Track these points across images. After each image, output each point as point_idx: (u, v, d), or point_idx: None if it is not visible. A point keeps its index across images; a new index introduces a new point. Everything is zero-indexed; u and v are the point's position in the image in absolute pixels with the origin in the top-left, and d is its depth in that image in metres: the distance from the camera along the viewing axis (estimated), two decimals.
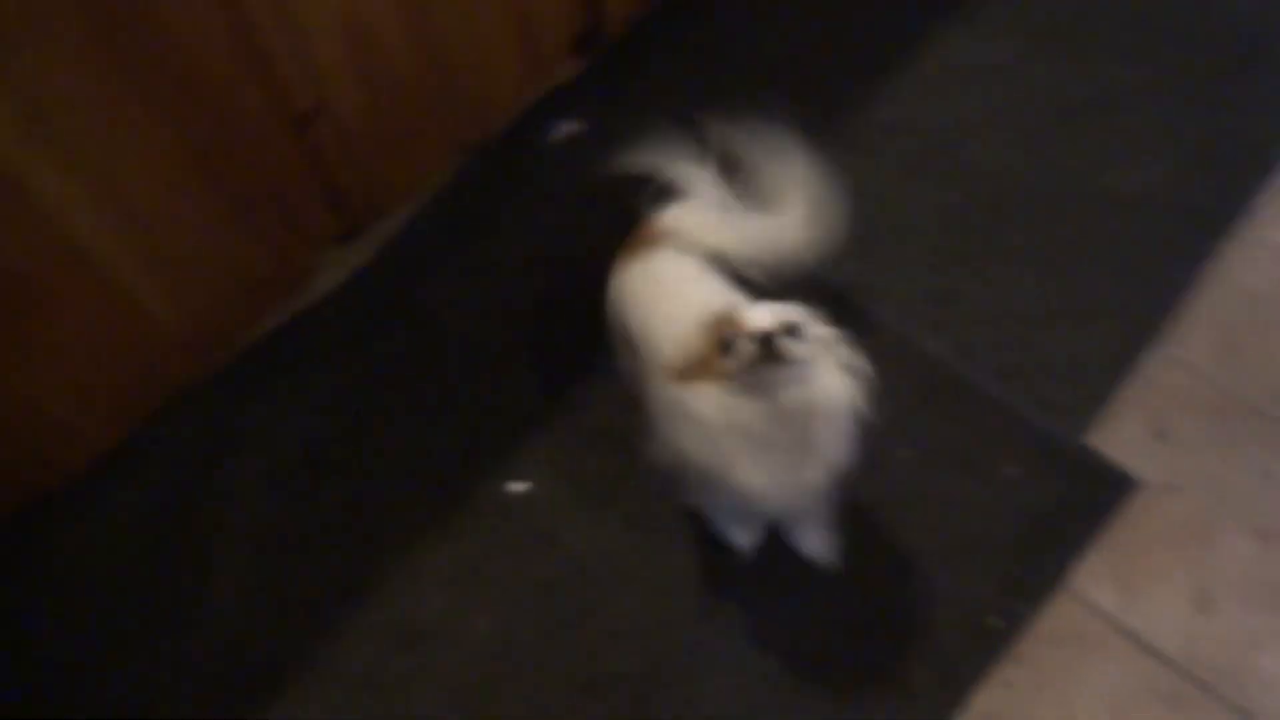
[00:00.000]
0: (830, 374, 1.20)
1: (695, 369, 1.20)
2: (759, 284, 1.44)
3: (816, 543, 1.54)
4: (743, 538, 1.54)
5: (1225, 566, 1.51)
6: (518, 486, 1.65)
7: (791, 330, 1.14)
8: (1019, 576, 1.51)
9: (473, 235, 1.90)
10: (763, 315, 1.15)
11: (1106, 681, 1.45)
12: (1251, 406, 1.63)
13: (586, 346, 1.76)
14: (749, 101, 1.97)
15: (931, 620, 1.49)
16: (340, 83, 1.54)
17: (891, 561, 1.54)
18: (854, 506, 1.57)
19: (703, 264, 1.44)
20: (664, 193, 1.49)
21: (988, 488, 1.58)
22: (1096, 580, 1.51)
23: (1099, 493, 1.57)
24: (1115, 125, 1.92)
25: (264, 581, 1.59)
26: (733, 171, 1.47)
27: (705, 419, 1.20)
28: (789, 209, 1.44)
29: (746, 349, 1.12)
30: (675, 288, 1.41)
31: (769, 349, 1.11)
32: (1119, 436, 1.62)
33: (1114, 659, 1.46)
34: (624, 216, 1.87)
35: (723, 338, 1.15)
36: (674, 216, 1.50)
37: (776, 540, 1.56)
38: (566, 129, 1.98)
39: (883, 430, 1.62)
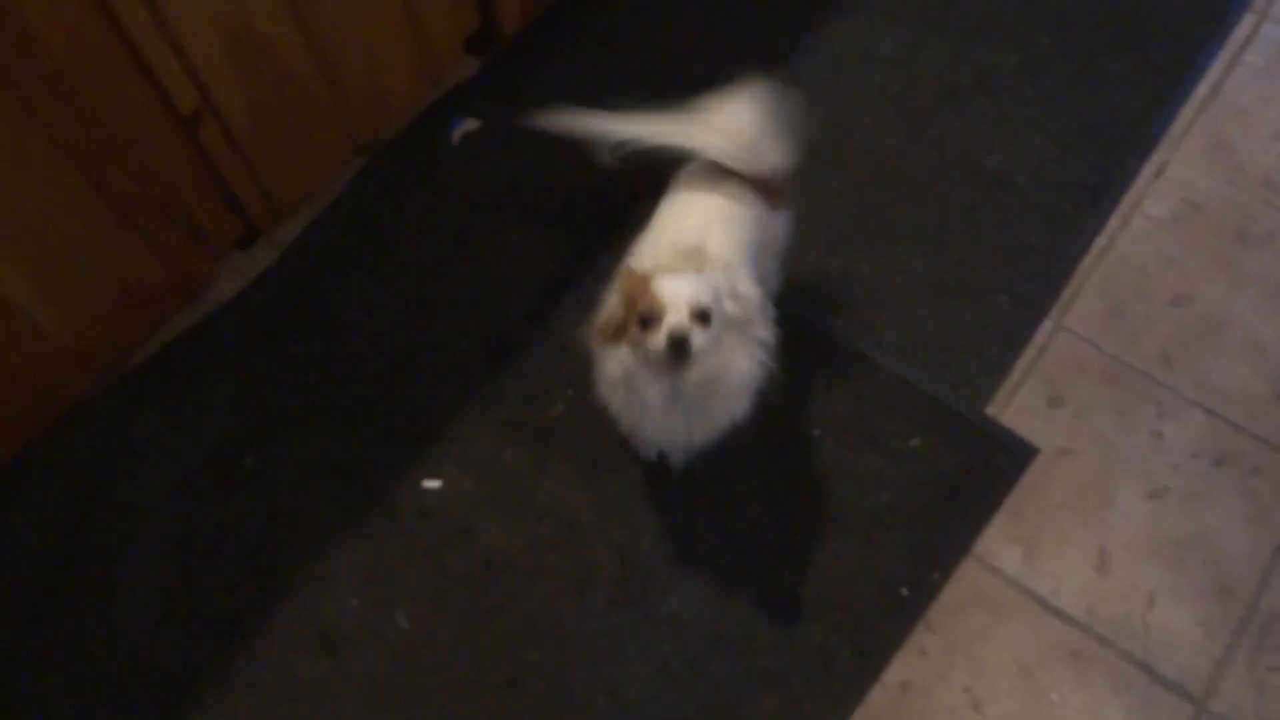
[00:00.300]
0: (737, 348, 1.27)
1: (612, 331, 1.27)
2: None
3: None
4: (650, 453, 1.61)
5: (1121, 526, 1.57)
6: (432, 484, 1.63)
7: (704, 315, 1.19)
8: (928, 546, 1.55)
9: (376, 236, 1.87)
10: (678, 292, 1.19)
11: (1015, 643, 1.49)
12: (1140, 370, 1.70)
13: (494, 341, 1.75)
14: (643, 92, 2.01)
15: (847, 593, 1.52)
16: (224, 83, 1.50)
17: (806, 538, 1.56)
18: (766, 486, 1.60)
19: (727, 206, 1.43)
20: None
21: (895, 462, 1.62)
22: (1001, 546, 1.56)
23: (1000, 461, 1.62)
24: (999, 107, 1.98)
25: (173, 593, 1.54)
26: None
27: (611, 379, 1.31)
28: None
29: (657, 347, 1.18)
30: (674, 213, 1.46)
31: (678, 351, 1.17)
32: (1017, 405, 1.67)
33: (1021, 621, 1.50)
34: (525, 210, 1.88)
35: (640, 313, 1.20)
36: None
37: (691, 519, 1.58)
38: (465, 127, 1.97)
39: (791, 410, 1.67)
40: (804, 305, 1.74)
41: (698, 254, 1.31)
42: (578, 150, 1.95)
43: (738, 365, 1.28)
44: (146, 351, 1.74)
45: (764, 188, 1.46)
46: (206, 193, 1.64)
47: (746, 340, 1.29)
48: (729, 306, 1.24)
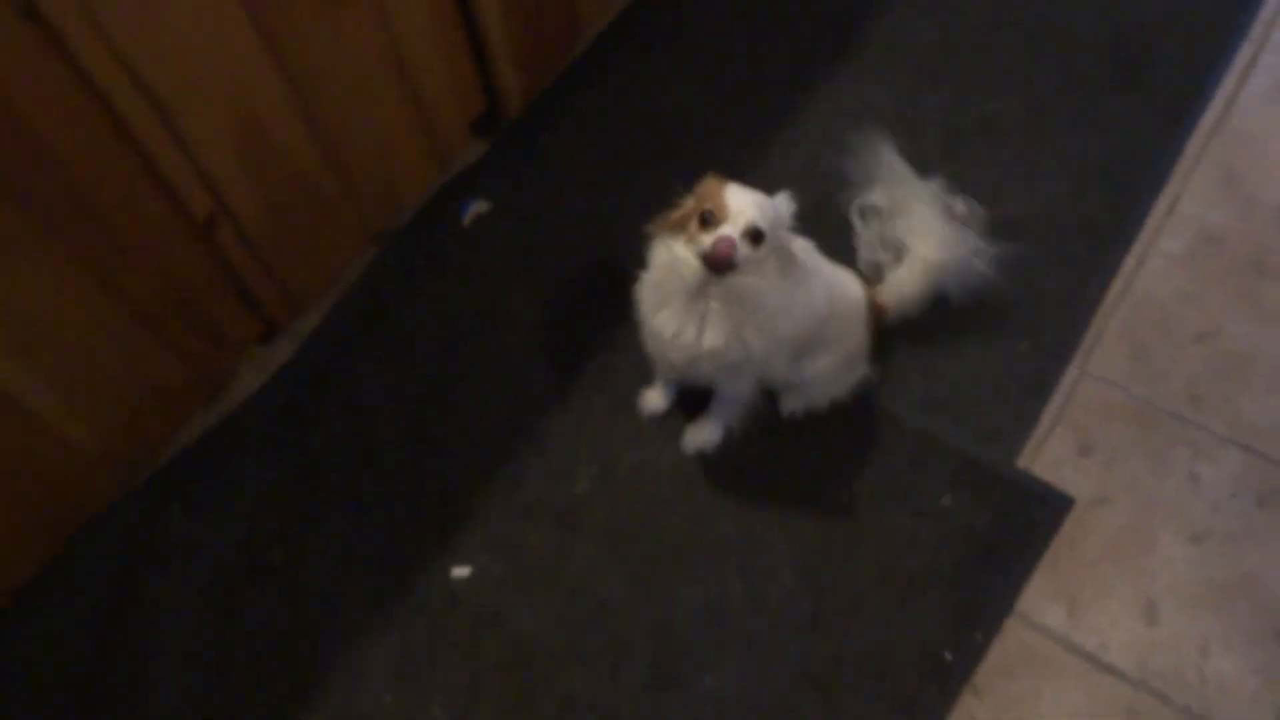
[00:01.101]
0: (779, 284, 1.35)
1: (674, 223, 1.35)
2: None
3: (702, 430, 1.68)
4: (656, 402, 1.72)
5: (1164, 573, 1.53)
6: (461, 571, 1.62)
7: (757, 235, 1.27)
8: (969, 606, 1.52)
9: (393, 321, 1.89)
10: (740, 205, 1.27)
11: (1066, 703, 1.45)
12: (1169, 412, 1.67)
13: (515, 420, 1.75)
14: (651, 162, 2.03)
15: (887, 660, 1.49)
16: (236, 186, 1.53)
17: (842, 605, 1.54)
18: (797, 552, 1.58)
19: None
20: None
21: (928, 520, 1.59)
22: (1044, 602, 1.52)
23: (1035, 514, 1.59)
24: (1004, 152, 1.98)
25: (204, 695, 1.53)
26: None
27: (655, 264, 1.40)
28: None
29: (704, 246, 1.26)
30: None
31: (721, 257, 1.24)
32: (1047, 455, 1.65)
33: (1071, 679, 1.47)
34: (539, 287, 1.89)
35: (703, 211, 1.28)
36: None
37: (723, 590, 1.55)
38: (476, 209, 1.99)
39: (817, 473, 1.65)
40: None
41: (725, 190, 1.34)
42: (588, 225, 1.98)
43: (771, 297, 1.35)
44: (171, 451, 1.75)
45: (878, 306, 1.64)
46: (224, 293, 1.66)
47: (788, 283, 1.36)
48: (782, 240, 1.33)
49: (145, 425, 1.66)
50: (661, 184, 1.99)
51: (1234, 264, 1.82)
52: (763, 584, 1.57)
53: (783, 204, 1.34)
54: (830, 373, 1.62)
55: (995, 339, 1.76)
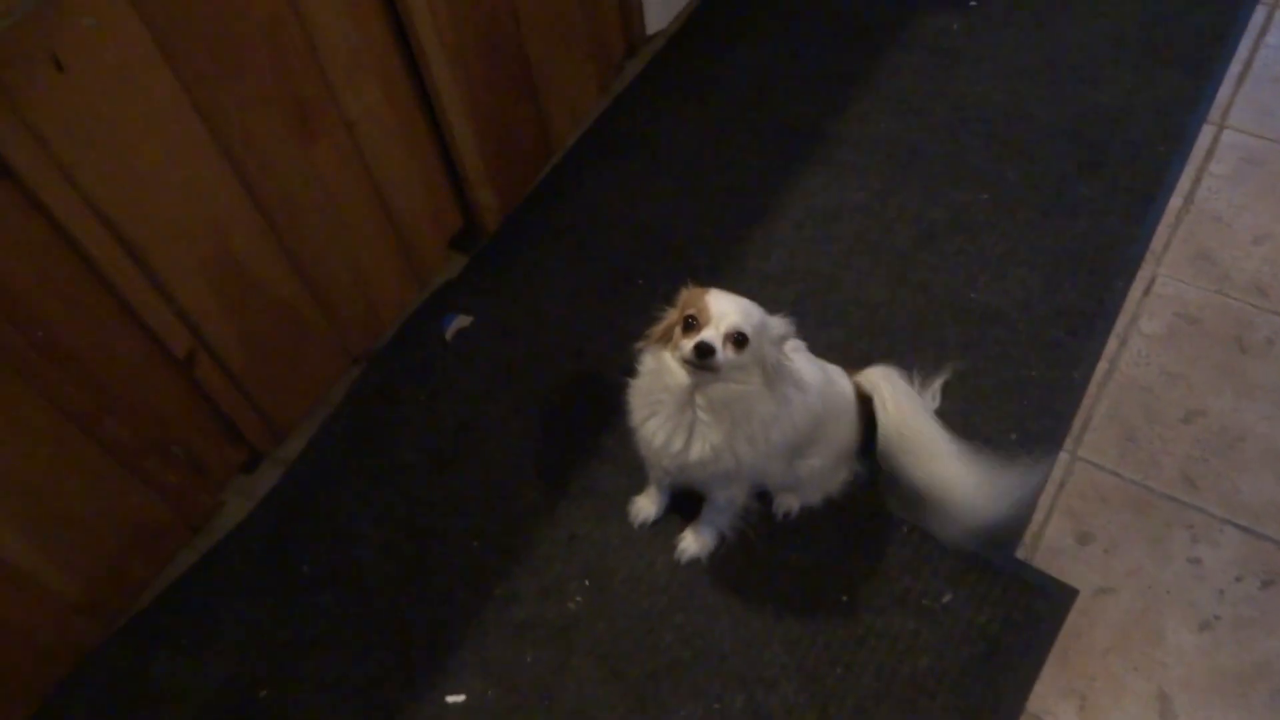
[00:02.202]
0: (766, 393, 1.36)
1: (660, 334, 1.38)
2: None
3: (695, 538, 1.66)
4: (647, 510, 1.70)
5: (1175, 664, 1.49)
6: (455, 699, 1.57)
7: (740, 339, 1.29)
8: (979, 710, 1.47)
9: (378, 442, 1.87)
10: (723, 309, 1.29)
11: None
12: (1164, 495, 1.65)
13: (505, 537, 1.72)
14: (628, 270, 2.05)
15: None
16: (214, 321, 1.53)
17: (849, 715, 1.49)
18: (798, 661, 1.54)
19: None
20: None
21: (930, 621, 1.56)
22: (1055, 700, 1.48)
23: (1039, 608, 1.56)
24: (977, 244, 2.01)
25: None
26: None
27: (643, 371, 1.42)
28: None
29: (686, 351, 1.28)
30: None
31: (703, 358, 1.27)
32: (1046, 546, 1.62)
33: None
34: (524, 400, 1.89)
35: (686, 317, 1.31)
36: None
37: (725, 705, 1.50)
38: (457, 324, 1.99)
39: (814, 576, 1.62)
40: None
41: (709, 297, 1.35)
42: (569, 335, 1.99)
43: (761, 407, 1.36)
44: (154, 590, 1.71)
45: None
46: (205, 426, 1.65)
47: (778, 393, 1.37)
48: (768, 351, 1.33)
49: (128, 566, 1.63)
50: (640, 292, 2.02)
51: (1215, 342, 1.82)
52: (765, 697, 1.52)
53: (777, 323, 1.35)
54: (825, 469, 1.62)
55: (981, 431, 1.75)
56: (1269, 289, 1.87)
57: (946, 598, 1.58)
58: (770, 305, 1.98)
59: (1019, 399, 1.78)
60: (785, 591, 1.62)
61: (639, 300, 2.02)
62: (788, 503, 1.68)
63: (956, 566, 1.61)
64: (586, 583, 1.66)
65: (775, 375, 1.35)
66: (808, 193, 2.14)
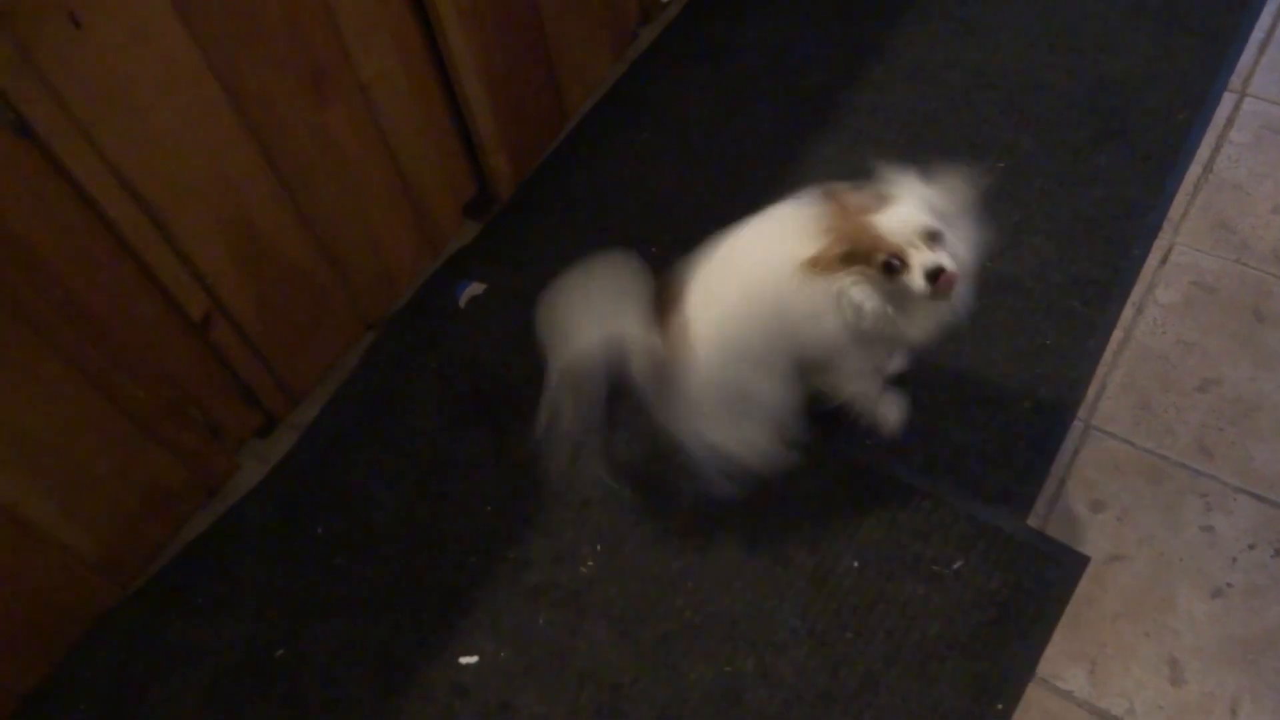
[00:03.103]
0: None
1: (826, 265, 1.29)
2: None
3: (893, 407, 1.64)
4: (895, 414, 1.66)
5: (1187, 631, 1.50)
6: (469, 659, 1.59)
7: (937, 236, 1.25)
8: (989, 675, 1.48)
9: (392, 407, 1.88)
10: (906, 224, 1.24)
11: None
12: (1178, 463, 1.65)
13: (518, 503, 1.73)
14: (642, 238, 2.05)
15: None
16: (230, 283, 1.54)
17: (858, 679, 1.50)
18: (809, 626, 1.55)
19: None
20: None
21: (940, 587, 1.56)
22: (1065, 665, 1.48)
23: (1050, 574, 1.56)
24: (993, 213, 1.98)
25: None
26: None
27: (859, 309, 1.33)
28: None
29: (921, 288, 1.24)
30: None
31: (943, 285, 1.23)
32: (1058, 514, 1.62)
33: None
34: (536, 367, 1.89)
35: (880, 260, 1.25)
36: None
37: (735, 668, 1.52)
38: (471, 291, 2.00)
39: (825, 543, 1.63)
40: (824, 432, 1.72)
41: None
42: None
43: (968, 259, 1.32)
44: (170, 552, 1.73)
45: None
46: (222, 389, 1.67)
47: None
48: (945, 210, 1.28)
49: (144, 527, 1.65)
50: (653, 259, 2.01)
51: (1232, 311, 1.81)
52: (775, 661, 1.53)
53: (918, 187, 1.31)
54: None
55: (997, 399, 1.75)
56: None
57: (958, 564, 1.58)
58: None
59: (1034, 367, 1.77)
60: (796, 557, 1.63)
61: (651, 268, 2.02)
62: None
63: (968, 533, 1.61)
64: (599, 548, 1.67)
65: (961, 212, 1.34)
66: (821, 161, 2.13)
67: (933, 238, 1.26)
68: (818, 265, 1.31)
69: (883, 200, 1.29)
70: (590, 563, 1.66)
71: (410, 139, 1.78)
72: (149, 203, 1.36)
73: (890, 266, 1.26)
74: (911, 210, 1.27)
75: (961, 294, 1.34)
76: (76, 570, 1.55)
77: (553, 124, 2.19)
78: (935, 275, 1.23)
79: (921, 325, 1.38)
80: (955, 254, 1.28)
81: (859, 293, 1.33)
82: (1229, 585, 1.53)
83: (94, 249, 1.34)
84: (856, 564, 1.60)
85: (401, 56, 1.68)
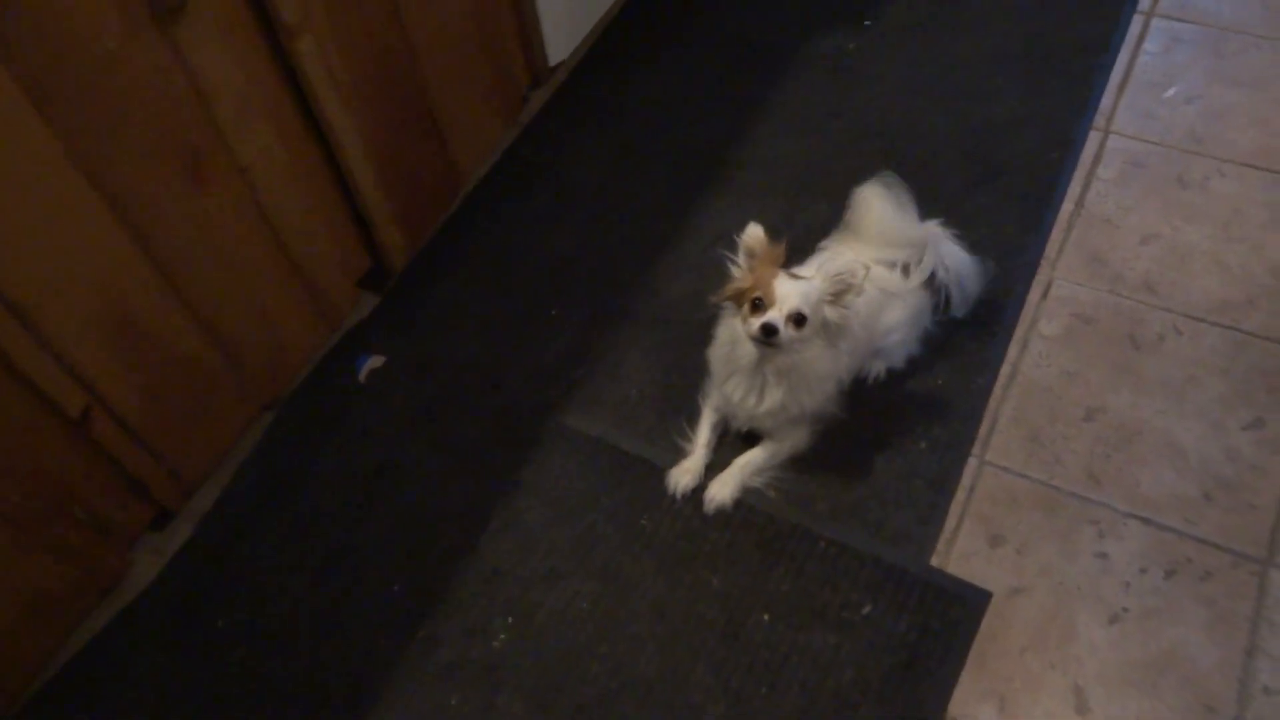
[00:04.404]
0: (825, 352, 1.59)
1: (730, 293, 1.58)
2: None
3: (719, 489, 1.74)
4: (688, 481, 1.77)
5: (1089, 659, 1.53)
6: None
7: (800, 319, 1.50)
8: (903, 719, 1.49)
9: (293, 490, 1.84)
10: (788, 295, 1.49)
11: None
12: (1070, 493, 1.70)
13: (425, 579, 1.70)
14: (541, 301, 2.05)
15: None
16: (110, 376, 1.49)
17: None
18: (723, 684, 1.54)
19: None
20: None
21: (850, 634, 1.58)
22: (975, 704, 1.50)
23: (955, 613, 1.58)
24: None
25: None
26: None
27: (721, 339, 1.67)
28: None
29: (753, 330, 1.50)
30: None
31: (767, 338, 1.50)
32: (959, 551, 1.65)
33: None
34: (441, 439, 1.87)
35: (754, 299, 1.51)
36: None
37: None
38: (371, 364, 1.97)
39: (735, 598, 1.63)
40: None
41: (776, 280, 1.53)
42: (485, 370, 1.98)
43: (819, 365, 1.60)
44: (61, 660, 1.65)
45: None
46: (108, 485, 1.61)
47: (836, 350, 1.60)
48: (828, 314, 1.53)
49: (28, 638, 1.57)
50: (554, 321, 2.02)
51: (1110, 340, 1.88)
52: None
53: (820, 283, 1.52)
54: (902, 339, 1.82)
55: (893, 441, 1.78)
56: (1157, 286, 1.94)
57: (866, 609, 1.60)
58: (669, 329, 2.00)
59: (927, 407, 1.82)
60: (707, 615, 1.62)
61: (553, 330, 2.02)
62: (875, 368, 1.85)
63: (874, 577, 1.63)
64: (510, 619, 1.65)
65: (836, 332, 1.56)
66: (715, 215, 2.17)
67: (798, 319, 1.50)
68: (724, 294, 1.59)
69: (793, 278, 1.53)
70: (502, 635, 1.63)
71: (296, 217, 1.76)
72: (14, 303, 1.31)
73: (756, 303, 1.51)
74: (802, 293, 1.50)
75: (807, 399, 1.65)
76: None
77: (446, 192, 2.19)
78: (770, 331, 1.49)
79: (739, 379, 1.65)
80: (805, 337, 1.53)
81: (726, 328, 1.65)
82: (1125, 610, 1.57)
83: None
84: (767, 617, 1.61)
85: (281, 137, 1.66)
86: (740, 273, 1.57)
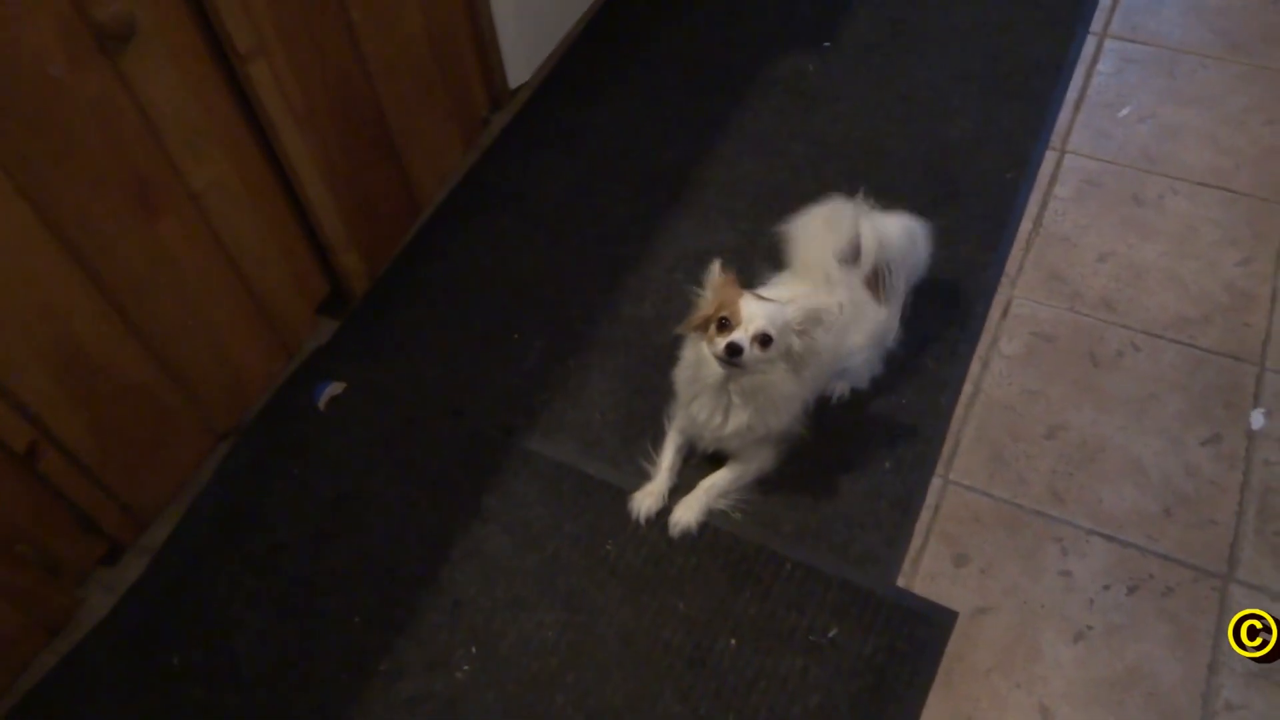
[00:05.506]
0: (789, 375, 1.58)
1: (698, 324, 1.57)
2: None
3: (684, 513, 1.73)
4: (650, 505, 1.75)
5: (1055, 677, 1.53)
6: None
7: (765, 340, 1.50)
8: None
9: (250, 521, 1.80)
10: (754, 315, 1.50)
11: None
12: (1033, 511, 1.71)
13: (387, 611, 1.67)
14: (504, 325, 2.04)
15: None
16: (58, 410, 1.46)
17: None
18: (692, 713, 1.52)
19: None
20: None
21: (817, 657, 1.57)
22: None
23: (922, 634, 1.58)
24: None
25: None
26: None
27: (686, 360, 1.67)
28: None
29: (718, 349, 1.50)
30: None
31: (732, 357, 1.49)
32: (924, 571, 1.65)
33: None
34: (402, 467, 1.84)
35: (720, 318, 1.51)
36: None
37: None
38: (331, 391, 1.94)
39: (702, 623, 1.62)
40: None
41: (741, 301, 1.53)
42: (447, 395, 1.95)
43: (784, 388, 1.59)
44: (7, 705, 1.60)
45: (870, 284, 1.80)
46: (57, 521, 1.56)
47: (801, 375, 1.59)
48: (794, 342, 1.53)
49: None
50: (516, 346, 2.01)
51: (1070, 358, 1.90)
52: None
53: (791, 312, 1.53)
54: (865, 360, 1.84)
55: (858, 462, 1.78)
56: (1115, 303, 1.96)
57: (832, 632, 1.59)
58: (630, 350, 1.99)
59: (891, 427, 1.82)
60: (674, 641, 1.61)
61: (515, 355, 2.00)
62: (840, 388, 1.86)
63: (840, 599, 1.62)
64: (474, 650, 1.62)
65: (800, 361, 1.56)
66: (677, 237, 2.17)
67: (763, 340, 1.50)
68: (690, 323, 1.60)
69: (760, 299, 1.54)
70: (466, 666, 1.61)
71: (252, 244, 1.73)
72: None
73: (722, 322, 1.51)
74: (768, 314, 1.50)
75: (773, 420, 1.65)
76: None
77: (405, 216, 2.17)
78: (735, 351, 1.48)
79: (704, 400, 1.65)
80: (770, 358, 1.53)
81: (691, 349, 1.64)
82: (1089, 628, 1.57)
83: None
84: (734, 642, 1.59)
85: (235, 163, 1.64)
86: (705, 302, 1.57)
